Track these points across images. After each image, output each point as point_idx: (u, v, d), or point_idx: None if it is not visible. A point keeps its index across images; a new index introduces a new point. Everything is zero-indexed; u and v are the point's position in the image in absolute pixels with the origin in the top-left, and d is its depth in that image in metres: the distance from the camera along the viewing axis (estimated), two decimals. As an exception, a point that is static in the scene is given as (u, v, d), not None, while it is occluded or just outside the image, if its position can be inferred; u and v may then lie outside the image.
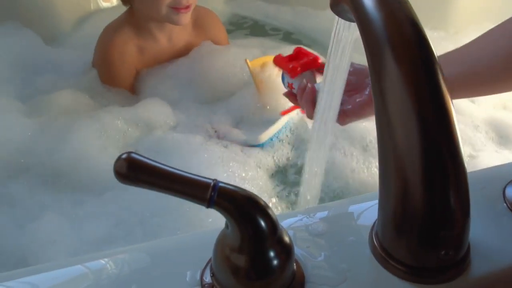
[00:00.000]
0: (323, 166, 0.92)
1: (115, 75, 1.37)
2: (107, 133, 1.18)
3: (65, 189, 1.08)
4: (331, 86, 0.81)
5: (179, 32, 1.41)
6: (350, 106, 0.90)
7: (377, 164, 1.12)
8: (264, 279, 0.48)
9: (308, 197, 0.95)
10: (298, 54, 1.04)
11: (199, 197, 0.44)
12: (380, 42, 0.48)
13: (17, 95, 1.32)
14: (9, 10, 1.58)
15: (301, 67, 1.00)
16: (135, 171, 0.44)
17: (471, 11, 1.73)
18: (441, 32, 1.65)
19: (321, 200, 0.99)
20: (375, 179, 1.11)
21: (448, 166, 0.47)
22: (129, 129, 1.22)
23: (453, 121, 0.47)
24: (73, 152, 1.12)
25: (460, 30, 1.68)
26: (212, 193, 0.44)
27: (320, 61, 1.01)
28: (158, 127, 1.24)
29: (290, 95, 1.01)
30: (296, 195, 1.10)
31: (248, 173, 1.10)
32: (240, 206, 0.45)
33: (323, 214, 0.61)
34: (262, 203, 0.46)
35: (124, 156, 0.44)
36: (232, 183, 0.46)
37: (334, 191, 1.11)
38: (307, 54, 1.03)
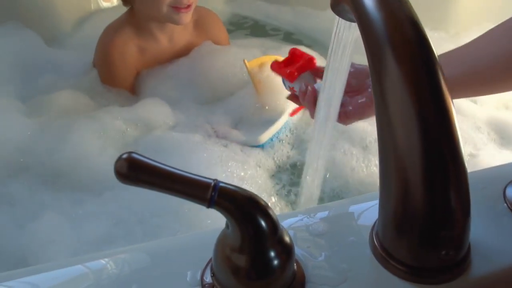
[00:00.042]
0: (323, 166, 0.92)
1: (115, 75, 1.37)
2: (106, 133, 1.18)
3: (64, 188, 1.08)
4: (331, 86, 0.81)
5: (180, 33, 1.41)
6: (351, 107, 0.90)
7: (376, 162, 1.12)
8: (264, 279, 0.48)
9: (309, 197, 0.95)
10: (293, 56, 1.04)
11: (200, 197, 0.44)
12: (381, 42, 0.48)
13: (17, 95, 1.32)
14: (9, 10, 1.58)
15: (298, 71, 1.00)
16: (135, 171, 0.44)
17: (472, 11, 1.73)
18: (441, 33, 1.65)
19: (321, 199, 0.99)
20: (374, 178, 1.12)
21: (449, 166, 0.47)
22: (128, 129, 1.22)
23: (454, 121, 0.47)
24: (72, 151, 1.12)
25: (461, 30, 1.68)
26: (213, 193, 0.44)
27: (315, 61, 1.01)
28: (157, 127, 1.24)
29: (294, 97, 1.01)
30: (296, 194, 1.10)
31: (247, 172, 1.10)
32: (240, 206, 0.45)
33: (324, 214, 0.61)
34: (263, 203, 0.46)
35: (124, 156, 0.44)
36: (231, 182, 0.46)
37: (334, 190, 1.11)
38: (302, 55, 1.03)
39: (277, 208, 1.07)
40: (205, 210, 0.45)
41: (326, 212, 0.61)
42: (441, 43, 1.49)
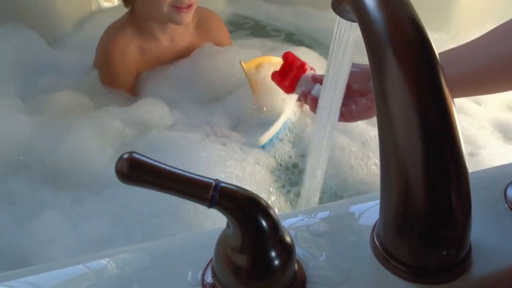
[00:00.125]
0: (324, 167, 0.92)
1: (116, 76, 1.37)
2: (105, 133, 1.18)
3: (64, 187, 1.08)
4: (332, 86, 0.81)
5: (181, 33, 1.41)
6: (354, 106, 0.90)
7: (375, 161, 1.13)
8: (265, 279, 0.48)
9: (309, 197, 0.95)
10: (287, 61, 1.06)
11: (201, 197, 0.44)
12: (382, 42, 0.48)
13: (18, 95, 1.32)
14: (10, 10, 1.58)
15: (293, 81, 1.03)
16: (136, 171, 0.44)
17: (472, 12, 1.73)
18: (442, 34, 1.65)
19: (320, 198, 0.99)
20: (373, 177, 1.12)
21: (450, 166, 0.47)
22: (127, 128, 1.22)
23: (455, 122, 0.47)
24: (71, 151, 1.13)
25: (461, 31, 1.68)
26: (214, 193, 0.44)
27: (306, 66, 1.03)
28: (156, 126, 1.24)
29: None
30: (296, 193, 1.10)
31: (246, 171, 1.10)
32: (241, 206, 0.45)
33: (324, 214, 0.61)
34: (264, 203, 0.46)
35: (125, 156, 0.44)
36: (230, 181, 0.46)
37: (331, 188, 1.11)
38: (293, 62, 1.04)
39: (277, 206, 1.07)
40: (205, 211, 0.45)
41: (327, 212, 0.61)
42: (441, 44, 1.49)
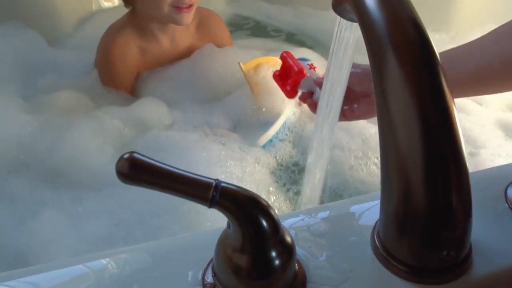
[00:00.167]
0: (324, 167, 0.92)
1: (116, 76, 1.36)
2: (104, 132, 1.18)
3: (64, 186, 1.08)
4: (332, 86, 0.81)
5: (182, 34, 1.40)
6: (356, 105, 0.91)
7: (375, 161, 1.13)
8: (265, 279, 0.48)
9: (310, 197, 0.95)
10: (284, 64, 1.07)
11: (201, 197, 0.44)
12: (382, 42, 0.48)
13: (18, 94, 1.32)
14: (10, 10, 1.58)
15: (294, 86, 1.04)
16: (137, 171, 0.44)
17: (473, 13, 1.73)
18: (442, 34, 1.65)
19: (320, 197, 0.99)
20: (373, 176, 1.12)
21: (450, 166, 0.47)
22: (126, 128, 1.22)
23: (455, 122, 0.47)
24: (70, 150, 1.13)
25: (461, 31, 1.68)
26: (214, 193, 0.44)
27: (305, 71, 1.04)
28: (155, 126, 1.24)
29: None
30: (295, 192, 1.10)
31: (246, 171, 1.10)
32: (242, 206, 0.45)
33: (325, 214, 0.61)
34: (264, 203, 0.46)
35: (126, 156, 0.44)
36: (231, 182, 0.46)
37: (331, 187, 1.11)
38: (291, 67, 1.05)
39: (277, 206, 1.07)
40: (205, 211, 0.45)
41: (327, 212, 0.61)
42: (442, 44, 1.48)
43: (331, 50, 0.76)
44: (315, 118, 0.91)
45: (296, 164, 1.18)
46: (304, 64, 1.05)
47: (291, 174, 1.16)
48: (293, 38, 1.78)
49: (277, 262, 0.47)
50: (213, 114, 1.28)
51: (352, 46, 0.73)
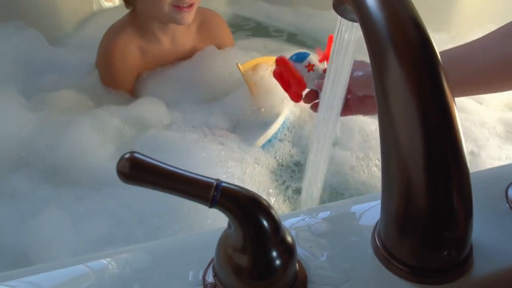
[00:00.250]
0: (325, 167, 0.92)
1: (116, 77, 1.36)
2: (104, 131, 1.18)
3: (65, 185, 1.08)
4: (333, 86, 0.81)
5: (183, 34, 1.40)
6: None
7: (376, 162, 1.13)
8: (266, 279, 0.48)
9: (310, 197, 0.95)
10: (282, 78, 1.04)
11: (202, 197, 0.44)
12: (383, 42, 0.48)
13: (19, 93, 1.32)
14: (10, 10, 1.58)
15: (296, 95, 1.02)
16: (137, 171, 0.44)
17: (473, 13, 1.73)
18: (443, 34, 1.65)
19: (320, 196, 0.99)
20: (374, 179, 1.12)
21: (451, 166, 0.47)
22: (126, 127, 1.22)
23: (456, 122, 0.47)
24: (71, 149, 1.13)
25: (462, 32, 1.68)
26: (215, 193, 0.44)
27: (303, 81, 1.01)
28: (154, 125, 1.24)
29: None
30: (294, 190, 1.10)
31: (246, 172, 1.10)
32: (243, 206, 0.45)
33: (326, 214, 0.61)
34: (265, 203, 0.46)
35: (127, 156, 0.44)
36: (230, 181, 0.46)
37: (331, 186, 1.11)
38: (288, 79, 1.03)
39: (277, 206, 1.07)
40: (205, 210, 0.45)
41: (328, 212, 0.61)
42: (442, 44, 1.48)
43: (331, 50, 0.76)
44: (316, 117, 0.91)
45: (296, 163, 1.18)
46: (301, 68, 1.02)
47: (291, 174, 1.16)
48: (295, 39, 1.78)
49: (278, 262, 0.47)
50: (212, 114, 1.28)
51: (353, 46, 0.73)
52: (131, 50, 1.36)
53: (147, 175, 0.44)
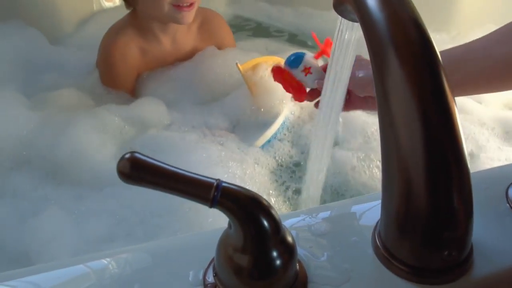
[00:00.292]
0: (325, 167, 0.92)
1: (116, 77, 1.36)
2: (104, 131, 1.18)
3: (65, 184, 1.08)
4: (333, 86, 0.81)
5: (183, 34, 1.40)
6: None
7: (377, 163, 1.13)
8: (267, 279, 0.48)
9: (311, 197, 0.95)
10: (283, 84, 1.06)
11: (202, 197, 0.44)
12: (383, 42, 0.48)
13: (20, 92, 1.32)
14: (10, 10, 1.58)
15: (300, 95, 1.04)
16: (138, 171, 0.44)
17: (473, 13, 1.73)
18: (443, 34, 1.65)
19: (321, 195, 0.99)
20: (375, 180, 1.12)
21: (452, 167, 0.47)
22: (126, 126, 1.22)
23: (457, 122, 0.47)
24: (71, 149, 1.13)
25: (462, 32, 1.68)
26: (215, 193, 0.44)
27: (303, 87, 1.03)
28: (154, 125, 1.24)
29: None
30: (294, 192, 1.10)
31: (246, 173, 1.10)
32: (243, 206, 0.45)
33: (326, 214, 0.61)
34: (265, 203, 0.46)
35: (127, 156, 0.44)
36: (230, 181, 0.46)
37: (332, 186, 1.11)
38: (287, 88, 1.05)
39: (278, 206, 1.07)
40: (205, 210, 0.45)
41: (328, 212, 0.61)
42: (442, 44, 1.48)
43: (332, 50, 0.76)
44: (316, 116, 0.91)
45: (296, 164, 1.18)
46: (297, 73, 1.02)
47: (291, 174, 1.16)
48: (295, 39, 1.77)
49: (278, 262, 0.47)
50: (212, 114, 1.28)
51: (353, 46, 0.73)
52: (132, 50, 1.36)
53: (147, 175, 0.44)
